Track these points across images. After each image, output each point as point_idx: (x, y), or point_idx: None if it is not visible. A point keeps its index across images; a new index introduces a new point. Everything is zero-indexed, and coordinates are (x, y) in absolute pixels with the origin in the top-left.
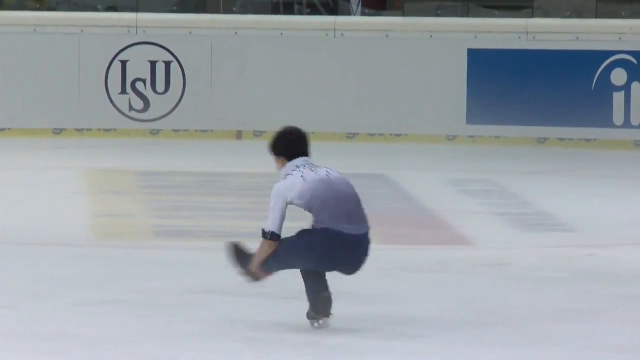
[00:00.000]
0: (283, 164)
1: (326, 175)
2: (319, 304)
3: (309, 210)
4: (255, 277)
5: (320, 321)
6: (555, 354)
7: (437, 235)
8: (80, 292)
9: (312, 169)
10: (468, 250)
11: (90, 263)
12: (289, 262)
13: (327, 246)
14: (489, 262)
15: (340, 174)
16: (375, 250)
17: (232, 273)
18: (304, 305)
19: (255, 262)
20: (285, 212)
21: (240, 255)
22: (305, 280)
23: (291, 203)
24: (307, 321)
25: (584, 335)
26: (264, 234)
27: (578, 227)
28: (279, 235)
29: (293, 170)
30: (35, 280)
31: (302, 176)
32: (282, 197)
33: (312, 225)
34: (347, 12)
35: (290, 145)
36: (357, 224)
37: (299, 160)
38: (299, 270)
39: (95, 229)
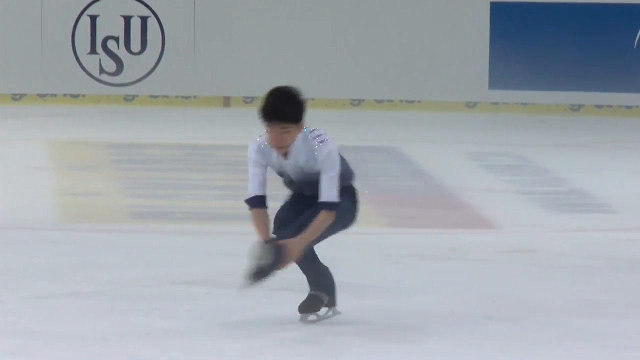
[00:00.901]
0: (300, 129)
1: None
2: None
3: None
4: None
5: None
6: (589, 352)
7: (455, 218)
8: (44, 283)
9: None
10: (490, 234)
11: (55, 249)
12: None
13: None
14: (514, 249)
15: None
16: (384, 234)
17: (218, 261)
18: (299, 297)
19: (309, 237)
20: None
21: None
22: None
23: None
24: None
25: (622, 332)
26: (331, 206)
27: (617, 207)
28: (260, 197)
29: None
30: None
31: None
32: (338, 164)
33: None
34: None
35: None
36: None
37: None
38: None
39: (60, 210)
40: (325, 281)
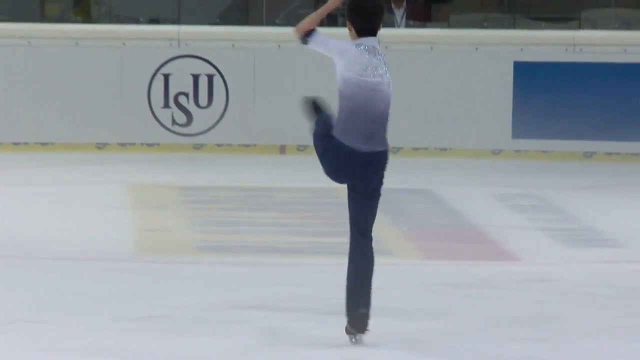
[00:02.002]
0: (353, 37)
1: (375, 83)
2: (355, 319)
3: (339, 99)
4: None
5: (357, 337)
6: None
7: (483, 251)
8: (121, 307)
9: (369, 61)
10: (515, 265)
11: (132, 278)
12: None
13: (338, 161)
14: (536, 278)
15: (389, 80)
16: (420, 265)
17: (274, 288)
18: (342, 320)
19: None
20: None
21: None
22: (346, 293)
23: (334, 56)
24: (347, 337)
25: (635, 353)
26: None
27: (626, 242)
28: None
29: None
30: (76, 295)
31: (360, 66)
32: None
33: (335, 123)
34: (392, 24)
35: (364, 19)
36: (373, 144)
37: (366, 43)
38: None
39: (137, 244)
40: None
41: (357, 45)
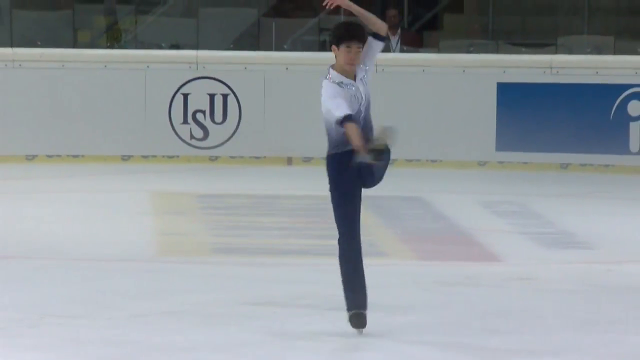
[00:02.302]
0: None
1: (358, 106)
2: (350, 319)
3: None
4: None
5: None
6: (582, 357)
7: (469, 252)
8: (143, 303)
9: (356, 91)
10: (497, 266)
11: (154, 277)
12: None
13: (342, 171)
14: (516, 277)
15: (367, 93)
16: (413, 265)
17: (281, 286)
18: (342, 316)
19: (357, 142)
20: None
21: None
22: (344, 292)
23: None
24: (347, 329)
25: (604, 344)
26: (341, 121)
27: (597, 245)
28: (351, 115)
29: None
30: (103, 292)
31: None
32: (338, 93)
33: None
34: (387, 49)
35: (348, 36)
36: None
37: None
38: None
39: (158, 246)
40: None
41: (338, 85)
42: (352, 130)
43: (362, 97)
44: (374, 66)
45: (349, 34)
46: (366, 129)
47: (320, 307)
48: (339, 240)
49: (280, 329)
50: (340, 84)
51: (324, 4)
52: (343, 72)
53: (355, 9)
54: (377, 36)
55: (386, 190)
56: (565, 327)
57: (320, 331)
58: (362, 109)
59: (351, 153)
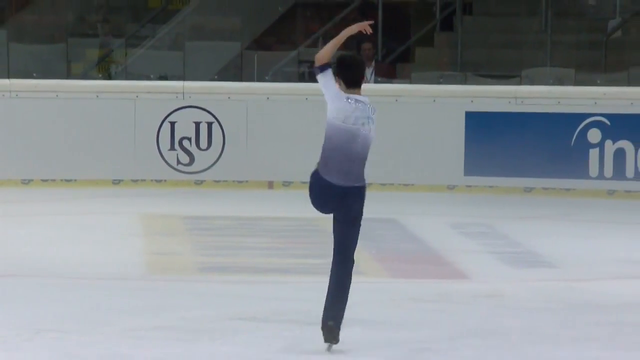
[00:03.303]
0: (339, 85)
1: (356, 129)
2: (325, 330)
3: (324, 139)
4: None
5: (329, 345)
6: None
7: (440, 271)
8: (134, 319)
9: (354, 112)
10: (466, 283)
11: (143, 294)
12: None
13: (319, 193)
14: (484, 294)
15: (371, 125)
16: (388, 283)
17: (264, 303)
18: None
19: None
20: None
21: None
22: (324, 308)
23: (328, 98)
24: (319, 342)
25: (569, 356)
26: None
27: (561, 263)
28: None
29: (347, 98)
30: (95, 309)
31: (344, 114)
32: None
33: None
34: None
35: (350, 73)
36: (350, 180)
37: (354, 97)
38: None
39: (148, 265)
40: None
41: (347, 98)
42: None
43: (364, 120)
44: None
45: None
46: (359, 162)
47: (300, 322)
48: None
49: (263, 342)
50: (348, 98)
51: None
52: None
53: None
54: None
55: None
56: (533, 342)
57: (300, 345)
58: (365, 132)
59: None
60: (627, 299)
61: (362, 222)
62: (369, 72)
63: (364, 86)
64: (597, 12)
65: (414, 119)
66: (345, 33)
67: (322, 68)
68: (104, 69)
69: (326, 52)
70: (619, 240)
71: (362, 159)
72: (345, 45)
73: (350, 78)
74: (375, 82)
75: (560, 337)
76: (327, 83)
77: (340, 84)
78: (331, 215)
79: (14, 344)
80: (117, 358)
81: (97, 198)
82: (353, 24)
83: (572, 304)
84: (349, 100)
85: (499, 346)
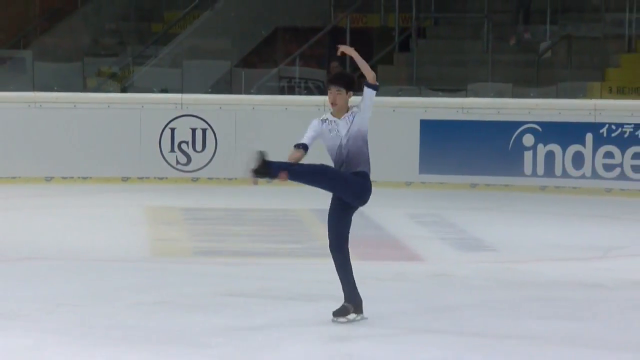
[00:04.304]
0: (348, 97)
1: (339, 140)
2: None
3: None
4: (273, 176)
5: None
6: (486, 339)
7: (399, 254)
8: (139, 295)
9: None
10: (421, 265)
11: (147, 274)
12: (321, 182)
13: (355, 185)
14: (436, 274)
15: (348, 132)
16: (354, 265)
17: (251, 282)
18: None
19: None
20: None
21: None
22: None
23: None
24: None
25: (506, 326)
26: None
27: (501, 248)
28: (301, 144)
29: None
30: (105, 286)
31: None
32: (312, 127)
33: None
34: None
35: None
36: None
37: (326, 115)
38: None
39: (152, 250)
40: (355, 296)
41: (321, 122)
42: (290, 154)
43: (339, 132)
44: (370, 109)
45: (329, 79)
46: (349, 157)
47: (282, 297)
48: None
49: (250, 316)
50: (323, 120)
51: (338, 53)
52: (333, 111)
53: (355, 55)
54: (367, 84)
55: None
56: (477, 314)
57: (282, 317)
58: (343, 141)
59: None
60: (556, 277)
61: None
62: None
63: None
64: (530, 36)
65: (376, 126)
66: (356, 57)
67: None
68: (115, 84)
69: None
70: (549, 228)
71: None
72: (308, 64)
73: (327, 79)
74: None
75: (500, 311)
76: (309, 143)
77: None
78: (307, 206)
79: (37, 315)
80: (124, 328)
81: (108, 193)
82: (325, 45)
83: (510, 282)
84: (322, 122)
85: (446, 317)
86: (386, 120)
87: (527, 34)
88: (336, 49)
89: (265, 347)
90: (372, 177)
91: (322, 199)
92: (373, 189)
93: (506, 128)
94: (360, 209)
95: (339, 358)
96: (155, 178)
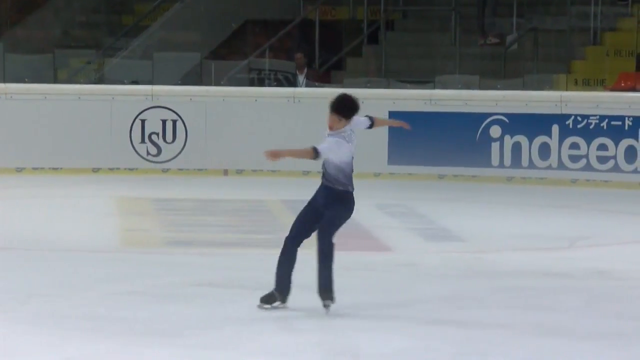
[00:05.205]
0: (343, 125)
1: (350, 153)
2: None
3: (333, 171)
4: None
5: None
6: (455, 329)
7: (368, 244)
8: (110, 286)
9: (351, 143)
10: (390, 255)
11: (119, 264)
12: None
13: (350, 202)
14: (405, 263)
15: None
16: None
17: (222, 271)
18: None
19: (291, 153)
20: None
21: None
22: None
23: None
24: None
25: (475, 316)
26: (315, 150)
27: (468, 238)
28: (319, 153)
29: (344, 136)
30: (77, 277)
31: (343, 151)
32: (336, 146)
33: (331, 186)
34: (296, 85)
35: (354, 112)
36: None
37: (349, 127)
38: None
39: (122, 240)
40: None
41: (344, 136)
42: (300, 152)
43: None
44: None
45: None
46: (349, 169)
47: (250, 287)
48: (329, 244)
49: (220, 305)
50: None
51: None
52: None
53: (388, 122)
54: (370, 126)
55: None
56: (445, 302)
57: (253, 307)
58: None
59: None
60: (523, 267)
61: (301, 204)
62: (301, 77)
63: (302, 90)
64: (497, 28)
65: None
66: (389, 123)
67: (316, 152)
68: (85, 76)
69: (295, 153)
70: (516, 219)
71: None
72: (278, 55)
73: (350, 114)
74: (307, 86)
75: (469, 301)
76: (329, 152)
77: (340, 120)
78: (277, 197)
79: (10, 306)
80: (96, 318)
81: (79, 184)
82: (295, 38)
83: (478, 272)
84: (344, 137)
85: (413, 305)
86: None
87: (494, 37)
88: (304, 42)
89: (238, 337)
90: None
91: (292, 190)
92: None
93: (473, 119)
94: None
95: (310, 348)
96: (125, 169)
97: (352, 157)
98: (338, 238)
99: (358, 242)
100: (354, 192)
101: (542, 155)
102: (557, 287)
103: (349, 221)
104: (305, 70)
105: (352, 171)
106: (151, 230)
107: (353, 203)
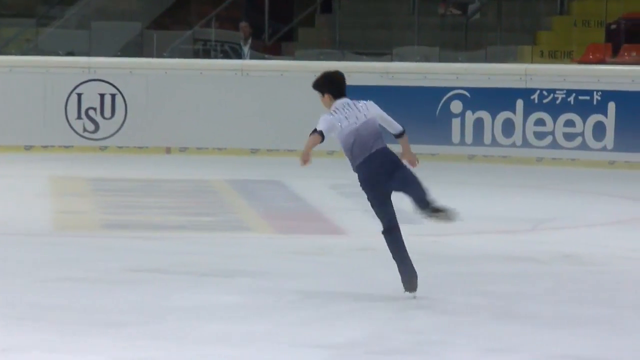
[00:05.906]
0: (330, 100)
1: (355, 123)
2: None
3: (345, 147)
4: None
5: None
6: (413, 315)
7: (320, 227)
8: (47, 271)
9: (349, 114)
10: (343, 238)
11: (52, 249)
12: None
13: (369, 174)
14: (359, 247)
15: (368, 111)
16: (275, 238)
17: (164, 256)
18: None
19: (307, 147)
20: (332, 128)
21: None
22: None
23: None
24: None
25: (434, 302)
26: (313, 131)
27: (426, 220)
28: (322, 133)
29: (337, 110)
30: (7, 262)
31: (340, 125)
32: (330, 121)
33: (353, 166)
34: (240, 56)
35: (336, 85)
36: (375, 148)
37: (342, 101)
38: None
39: (57, 223)
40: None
41: (334, 111)
42: (308, 140)
43: (359, 116)
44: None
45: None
46: (360, 138)
47: (195, 273)
48: (383, 232)
49: (162, 291)
50: (334, 111)
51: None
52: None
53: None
54: (397, 135)
55: (249, 175)
56: (402, 289)
57: (198, 294)
58: (361, 127)
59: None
60: (485, 251)
61: (251, 185)
62: (245, 49)
63: (255, 62)
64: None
65: (297, 91)
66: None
67: (320, 133)
68: (17, 46)
69: (309, 145)
70: (477, 200)
71: (374, 135)
72: (224, 25)
73: (337, 91)
74: (252, 57)
75: (428, 286)
76: (328, 131)
77: (323, 97)
78: (223, 177)
79: None
80: (27, 305)
81: (9, 162)
82: (243, 7)
83: (437, 257)
84: (335, 113)
85: (375, 293)
86: (308, 86)
87: (456, 7)
88: (253, 11)
89: (183, 326)
90: (289, 146)
91: (238, 170)
92: (293, 159)
93: (433, 94)
94: (279, 179)
95: (259, 336)
96: (60, 147)
97: (357, 124)
98: (288, 220)
99: (310, 224)
100: (374, 151)
101: (505, 132)
102: (521, 272)
103: (301, 202)
104: (250, 40)
105: (369, 136)
106: (88, 213)
107: (375, 166)
